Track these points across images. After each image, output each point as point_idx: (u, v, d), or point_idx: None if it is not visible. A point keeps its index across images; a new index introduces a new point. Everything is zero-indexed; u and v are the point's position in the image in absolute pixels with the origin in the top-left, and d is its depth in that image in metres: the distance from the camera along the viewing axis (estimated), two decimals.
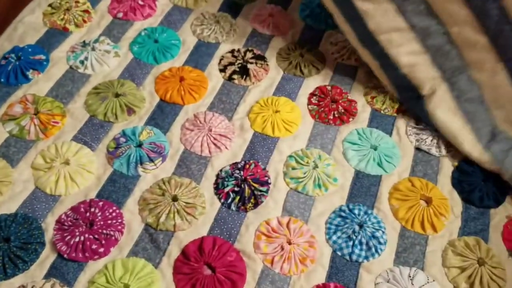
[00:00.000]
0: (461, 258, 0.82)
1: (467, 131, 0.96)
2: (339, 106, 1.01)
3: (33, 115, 0.91)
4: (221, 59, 1.08)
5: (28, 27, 1.07)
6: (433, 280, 0.79)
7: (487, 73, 0.97)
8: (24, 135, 0.89)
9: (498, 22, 0.92)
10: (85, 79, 1.00)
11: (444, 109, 0.98)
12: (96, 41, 1.06)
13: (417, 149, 0.97)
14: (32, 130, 0.89)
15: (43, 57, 1.01)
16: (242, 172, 0.88)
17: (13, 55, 0.99)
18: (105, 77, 1.01)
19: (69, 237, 0.77)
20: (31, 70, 0.98)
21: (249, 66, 1.06)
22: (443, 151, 0.97)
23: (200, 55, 1.08)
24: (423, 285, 0.78)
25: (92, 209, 0.80)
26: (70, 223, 0.78)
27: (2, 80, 0.96)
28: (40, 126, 0.90)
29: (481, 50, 0.96)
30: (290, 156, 0.92)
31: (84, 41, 1.06)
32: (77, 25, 1.09)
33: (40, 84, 0.97)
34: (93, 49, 1.03)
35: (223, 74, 1.05)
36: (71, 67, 1.01)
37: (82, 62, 1.01)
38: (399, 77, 1.01)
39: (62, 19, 1.08)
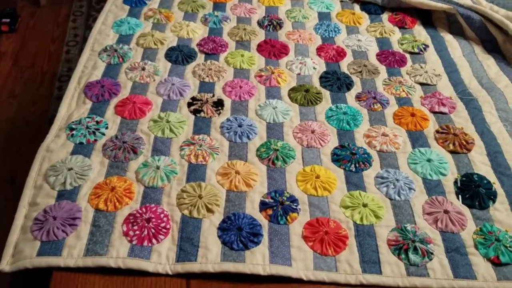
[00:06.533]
0: None
1: None
2: None
3: (159, 13, 1.79)
4: None
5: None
6: None
7: None
8: (159, 22, 1.76)
9: None
10: None
11: None
12: None
13: None
14: (163, 18, 1.78)
15: None
16: None
17: None
18: None
19: None
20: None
21: None
22: None
23: None
24: None
25: None
26: None
27: (132, 5, 1.84)
28: (165, 18, 1.78)
29: None
30: None
31: None
32: None
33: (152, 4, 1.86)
34: None
35: None
36: None
37: None
38: None
39: None
